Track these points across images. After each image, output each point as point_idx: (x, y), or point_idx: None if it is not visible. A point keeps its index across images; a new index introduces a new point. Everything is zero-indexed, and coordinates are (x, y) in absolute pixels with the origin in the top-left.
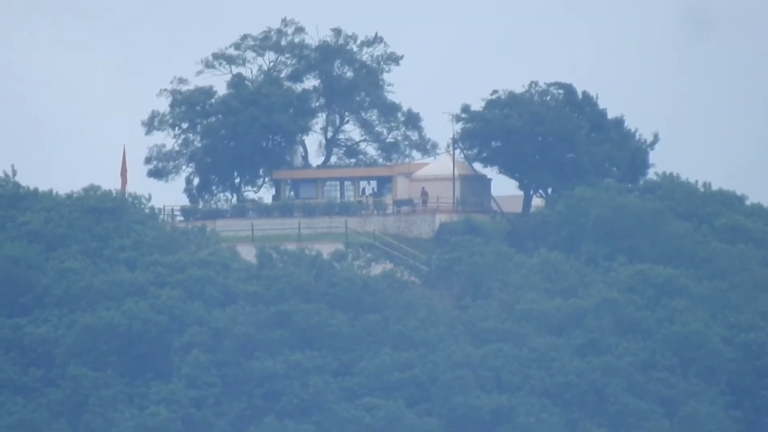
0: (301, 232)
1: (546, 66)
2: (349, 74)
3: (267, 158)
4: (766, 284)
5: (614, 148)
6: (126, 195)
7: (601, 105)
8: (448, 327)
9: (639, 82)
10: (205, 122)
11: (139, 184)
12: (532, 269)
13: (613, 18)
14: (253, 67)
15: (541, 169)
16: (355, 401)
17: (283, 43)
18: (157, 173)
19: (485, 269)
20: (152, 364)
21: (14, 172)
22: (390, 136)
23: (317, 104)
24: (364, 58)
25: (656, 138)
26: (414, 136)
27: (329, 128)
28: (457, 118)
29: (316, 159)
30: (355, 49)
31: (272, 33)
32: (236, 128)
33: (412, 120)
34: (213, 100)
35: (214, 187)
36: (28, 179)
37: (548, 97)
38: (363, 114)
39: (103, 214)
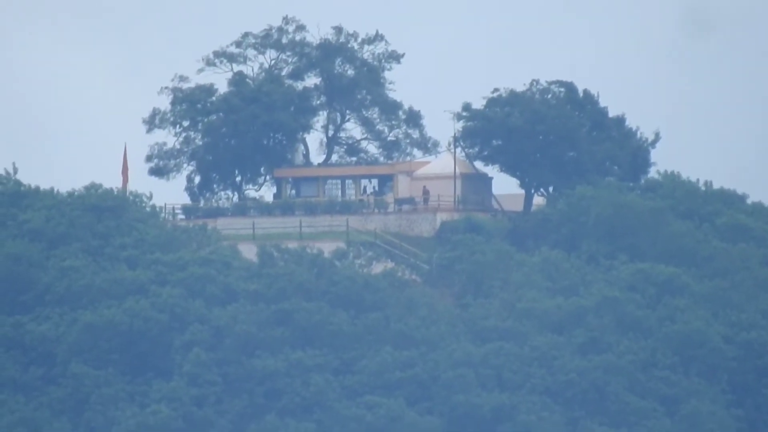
0: (302, 231)
1: (547, 64)
2: (350, 72)
3: (268, 156)
4: (767, 283)
5: (615, 146)
6: (127, 193)
7: (603, 103)
8: (449, 325)
9: (640, 80)
10: (206, 120)
11: (141, 182)
12: (533, 268)
13: (614, 17)
14: (254, 65)
15: (542, 168)
16: (356, 400)
17: (284, 41)
18: (158, 171)
19: (486, 268)
20: (153, 363)
21: (15, 170)
22: (391, 134)
23: (318, 102)
24: (365, 56)
25: (657, 136)
26: (415, 134)
27: (330, 126)
28: (458, 117)
29: (317, 157)
30: (356, 47)
31: (273, 31)
32: (237, 126)
33: (414, 118)
34: (214, 98)
35: (215, 186)
36: (29, 177)
37: (549, 96)
38: (364, 112)
39: (104, 212)
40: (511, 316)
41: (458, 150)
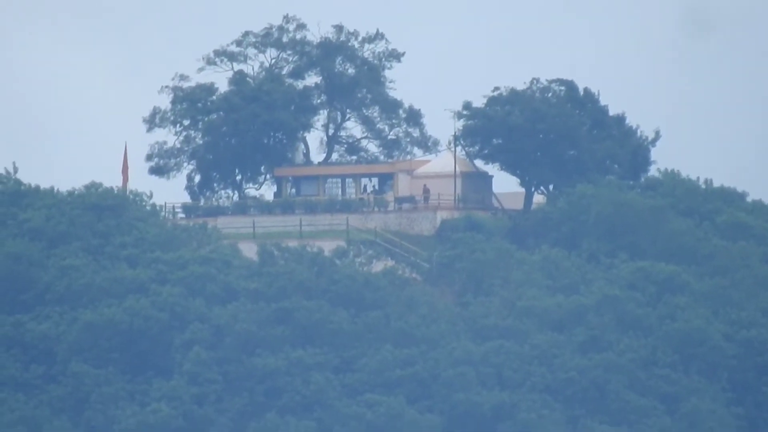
0: (302, 229)
1: (547, 63)
2: (351, 71)
3: (268, 155)
4: (767, 281)
5: (616, 144)
6: (127, 192)
7: (603, 102)
8: (449, 324)
9: (640, 79)
10: (206, 119)
11: (141, 181)
12: (534, 266)
13: (614, 15)
14: (254, 64)
15: (542, 166)
16: (356, 398)
17: (285, 39)
18: (158, 170)
19: (486, 266)
20: (153, 361)
21: (15, 170)
22: (391, 133)
23: (319, 101)
24: (366, 54)
25: (658, 135)
26: (415, 133)
27: (331, 125)
28: (459, 115)
29: (317, 156)
30: (356, 45)
31: (274, 30)
32: (238, 125)
33: (414, 117)
34: (214, 97)
35: (215, 184)
36: (29, 176)
37: (550, 94)
38: (364, 111)
39: (104, 211)
40: (512, 314)
41: (458, 148)
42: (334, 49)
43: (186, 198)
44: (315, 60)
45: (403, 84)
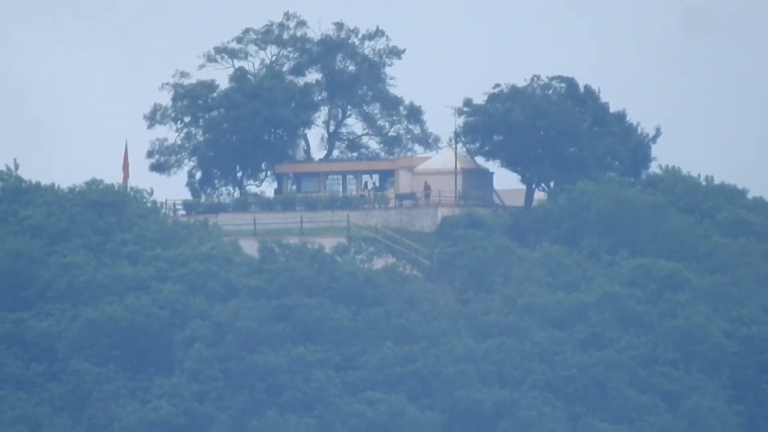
0: (303, 226)
1: (548, 60)
2: (351, 68)
3: (269, 152)
4: (767, 278)
5: (616, 141)
6: (128, 189)
7: (603, 99)
8: (450, 321)
9: (641, 76)
10: (207, 116)
11: (141, 178)
12: (534, 263)
13: (615, 13)
14: (255, 61)
15: (543, 163)
16: (357, 395)
17: (285, 36)
18: (159, 167)
19: (487, 263)
20: (154, 359)
21: (16, 166)
22: (392, 129)
23: (319, 98)
24: (366, 51)
25: (658, 132)
26: (416, 129)
27: (331, 122)
28: (460, 112)
29: (318, 153)
30: (357, 42)
31: (274, 27)
32: (238, 122)
33: (415, 114)
34: (215, 94)
35: (216, 181)
36: (30, 173)
37: (550, 91)
38: (365, 108)
39: (105, 208)
40: (512, 311)
41: (459, 145)
42: (335, 46)
43: (187, 195)
44: (315, 57)
45: (403, 81)
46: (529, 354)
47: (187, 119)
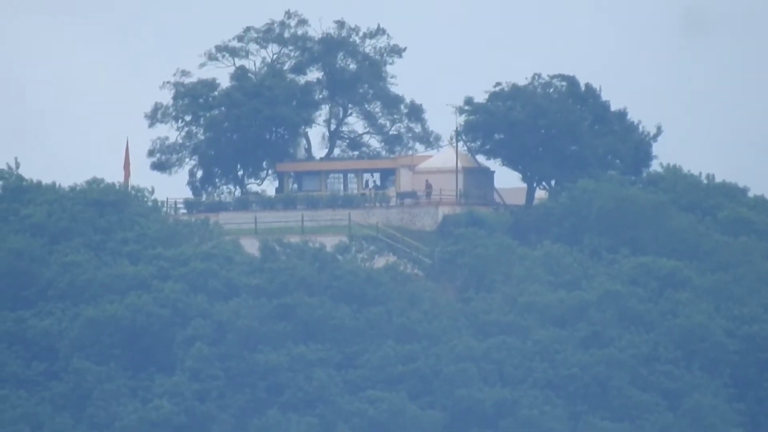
0: (304, 225)
1: (549, 58)
2: (352, 66)
3: (270, 151)
4: None
5: (617, 140)
6: (129, 188)
7: (604, 97)
8: (451, 320)
9: (642, 74)
10: (208, 115)
11: (143, 176)
12: (535, 262)
13: (616, 11)
14: (256, 60)
15: (544, 162)
16: (358, 394)
17: (286, 35)
18: (160, 166)
19: (488, 262)
20: (155, 358)
21: (17, 165)
22: (393, 128)
23: (320, 96)
24: (367, 50)
25: (659, 130)
26: (417, 128)
27: (332, 120)
28: (461, 111)
29: (319, 151)
30: (357, 41)
31: (275, 25)
32: (239, 121)
33: (416, 112)
34: (216, 93)
35: (217, 180)
36: (31, 172)
37: (551, 90)
38: (366, 106)
39: (106, 207)
40: (513, 310)
41: (460, 144)
42: (336, 44)
43: (188, 193)
44: (316, 55)
45: (404, 79)
46: (530, 353)
47: (188, 118)
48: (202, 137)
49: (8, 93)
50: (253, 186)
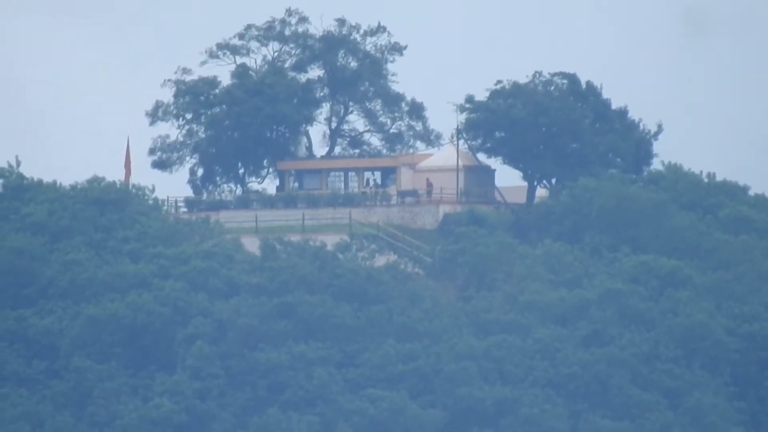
0: (305, 223)
1: (550, 56)
2: (353, 64)
3: (271, 149)
4: None
5: (618, 138)
6: (130, 186)
7: (605, 95)
8: (451, 318)
9: (643, 73)
10: (209, 113)
11: (143, 175)
12: (536, 260)
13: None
14: (257, 58)
15: (545, 160)
16: (359, 393)
17: (287, 33)
18: (161, 164)
19: (489, 260)
20: (156, 356)
21: (18, 164)
22: (394, 126)
23: (321, 94)
24: (368, 48)
25: (660, 128)
26: (418, 126)
27: (333, 118)
28: (461, 109)
29: (320, 150)
30: (358, 39)
31: (276, 23)
32: (240, 119)
33: (416, 110)
34: (217, 91)
35: (218, 178)
36: (31, 170)
37: (552, 87)
38: (367, 104)
39: (107, 205)
40: (514, 308)
41: (461, 142)
42: (337, 42)
43: (188, 192)
44: (317, 53)
45: (405, 77)
46: (531, 351)
47: (188, 116)
48: (203, 135)
49: (8, 92)
50: (253, 184)
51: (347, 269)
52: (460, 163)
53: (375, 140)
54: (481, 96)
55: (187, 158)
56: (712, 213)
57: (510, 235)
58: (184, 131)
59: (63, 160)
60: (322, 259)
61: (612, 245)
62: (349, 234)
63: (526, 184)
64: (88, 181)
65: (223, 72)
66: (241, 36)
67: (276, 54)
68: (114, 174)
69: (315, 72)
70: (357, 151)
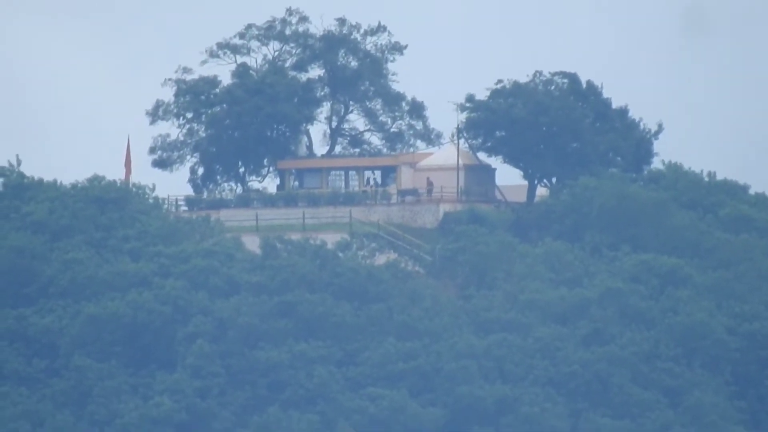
0: (305, 222)
1: (550, 56)
2: (354, 64)
3: (271, 148)
4: None
5: (618, 137)
6: (130, 185)
7: (606, 95)
8: (452, 317)
9: (643, 72)
10: (209, 112)
11: (144, 174)
12: (537, 259)
13: (617, 9)
14: (257, 57)
15: (545, 159)
16: (359, 391)
17: (288, 32)
18: (161, 163)
19: (489, 259)
20: (156, 355)
21: (19, 162)
22: (394, 125)
23: (322, 94)
24: (368, 47)
25: (660, 127)
26: (418, 125)
27: (334, 118)
28: (462, 108)
29: (320, 149)
30: (359, 38)
31: (277, 22)
32: (241, 118)
33: (417, 109)
34: (217, 90)
35: (218, 177)
36: (32, 169)
37: (552, 87)
38: (367, 103)
39: (107, 204)
40: (514, 307)
41: (461, 141)
42: (337, 41)
43: (189, 191)
44: (318, 53)
45: (405, 77)
46: (531, 350)
47: (189, 115)
48: (204, 134)
49: (8, 92)
50: (254, 183)
51: (347, 268)
52: (461, 162)
53: (375, 139)
54: (482, 95)
55: (188, 157)
56: (712, 212)
57: (510, 234)
58: (184, 130)
59: (63, 159)
60: (323, 257)
61: (612, 244)
62: (349, 233)
63: (526, 183)
64: (89, 180)
65: (223, 71)
66: (241, 35)
67: (276, 53)
68: (114, 173)
69: (315, 71)
70: (357, 150)
